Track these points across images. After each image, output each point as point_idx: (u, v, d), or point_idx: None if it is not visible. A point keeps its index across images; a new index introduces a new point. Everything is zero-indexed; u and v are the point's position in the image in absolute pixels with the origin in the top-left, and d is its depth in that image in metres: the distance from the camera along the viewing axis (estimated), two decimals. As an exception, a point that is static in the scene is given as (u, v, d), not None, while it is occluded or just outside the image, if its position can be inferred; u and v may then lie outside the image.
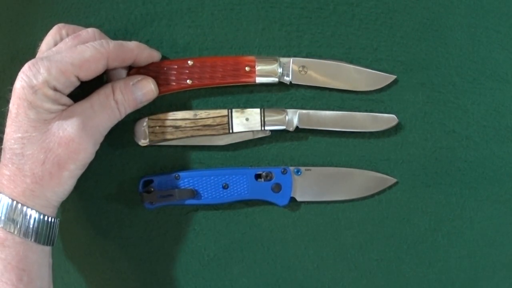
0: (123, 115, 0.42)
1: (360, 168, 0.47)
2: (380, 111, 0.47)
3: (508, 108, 0.47)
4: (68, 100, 0.39)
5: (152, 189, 0.45)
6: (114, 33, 0.45)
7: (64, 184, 0.39)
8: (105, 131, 0.41)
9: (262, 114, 0.45)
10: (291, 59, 0.45)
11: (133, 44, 0.42)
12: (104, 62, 0.39)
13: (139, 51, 0.42)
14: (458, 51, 0.47)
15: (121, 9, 0.46)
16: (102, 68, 0.40)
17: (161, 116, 0.45)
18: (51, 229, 0.40)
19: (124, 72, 0.43)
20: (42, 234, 0.39)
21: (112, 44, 0.40)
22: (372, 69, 0.46)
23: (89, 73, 0.39)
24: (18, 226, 0.38)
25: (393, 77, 0.46)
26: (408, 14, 0.47)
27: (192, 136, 0.45)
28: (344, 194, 0.47)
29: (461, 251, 0.48)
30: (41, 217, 0.39)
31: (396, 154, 0.47)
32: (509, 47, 0.47)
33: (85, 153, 0.39)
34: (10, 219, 0.38)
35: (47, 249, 0.40)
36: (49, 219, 0.39)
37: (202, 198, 0.46)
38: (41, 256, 0.39)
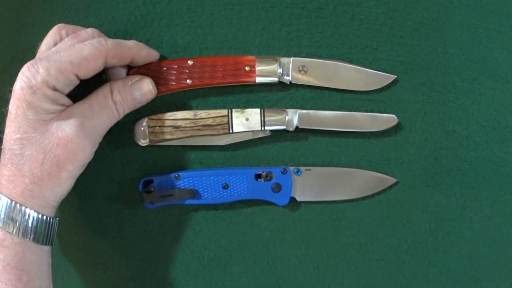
0: (122, 115, 0.42)
1: (360, 168, 0.47)
2: (380, 111, 0.47)
3: (508, 108, 0.47)
4: (67, 100, 0.39)
5: (152, 189, 0.45)
6: (114, 33, 0.45)
7: (62, 184, 0.39)
8: (103, 132, 0.41)
9: (262, 114, 0.45)
10: (291, 59, 0.45)
11: (131, 43, 0.42)
12: (103, 60, 0.39)
13: (137, 50, 0.42)
14: (458, 51, 0.47)
15: (121, 9, 0.46)
16: (101, 66, 0.40)
17: (161, 116, 0.45)
18: (50, 229, 0.40)
19: (124, 72, 0.43)
20: (40, 234, 0.39)
21: (110, 42, 0.40)
22: (372, 69, 0.46)
23: (88, 71, 0.39)
24: (17, 226, 0.38)
25: (393, 77, 0.46)
26: (408, 14, 0.47)
27: (192, 136, 0.45)
28: (344, 194, 0.47)
29: (461, 251, 0.48)
30: (40, 216, 0.39)
31: (396, 154, 0.47)
32: (509, 47, 0.47)
33: (84, 153, 0.39)
34: (9, 219, 0.38)
35: (46, 248, 0.40)
36: (48, 219, 0.39)
37: (202, 198, 0.46)
38: (40, 256, 0.40)
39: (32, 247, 0.39)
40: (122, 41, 0.42)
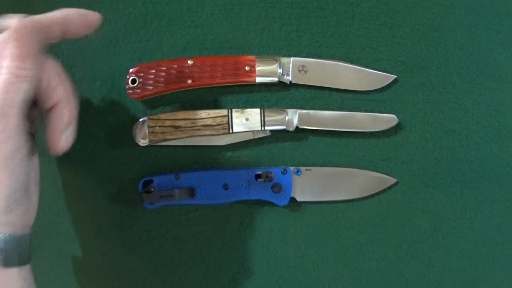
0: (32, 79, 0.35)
1: (360, 168, 0.47)
2: (380, 111, 0.47)
3: (508, 108, 0.47)
4: None
5: (152, 189, 0.45)
6: (114, 33, 0.45)
7: (9, 184, 0.34)
8: (19, 104, 0.34)
9: (262, 114, 0.45)
10: (291, 59, 0.45)
11: (49, 19, 0.36)
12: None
13: (62, 24, 0.36)
14: (458, 51, 0.47)
15: (121, 9, 0.46)
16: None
17: (161, 116, 0.45)
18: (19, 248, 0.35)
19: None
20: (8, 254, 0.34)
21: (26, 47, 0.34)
22: (372, 69, 0.46)
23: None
24: None
25: (393, 77, 0.46)
26: (408, 14, 0.47)
27: (192, 136, 0.45)
28: (344, 194, 0.47)
29: (461, 251, 0.48)
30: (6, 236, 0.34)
31: (396, 154, 0.47)
32: (509, 47, 0.47)
33: (12, 140, 0.33)
34: None
35: (15, 271, 0.35)
36: (17, 237, 0.34)
37: (202, 198, 0.46)
38: (9, 281, 0.34)
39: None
40: (37, 24, 0.36)
